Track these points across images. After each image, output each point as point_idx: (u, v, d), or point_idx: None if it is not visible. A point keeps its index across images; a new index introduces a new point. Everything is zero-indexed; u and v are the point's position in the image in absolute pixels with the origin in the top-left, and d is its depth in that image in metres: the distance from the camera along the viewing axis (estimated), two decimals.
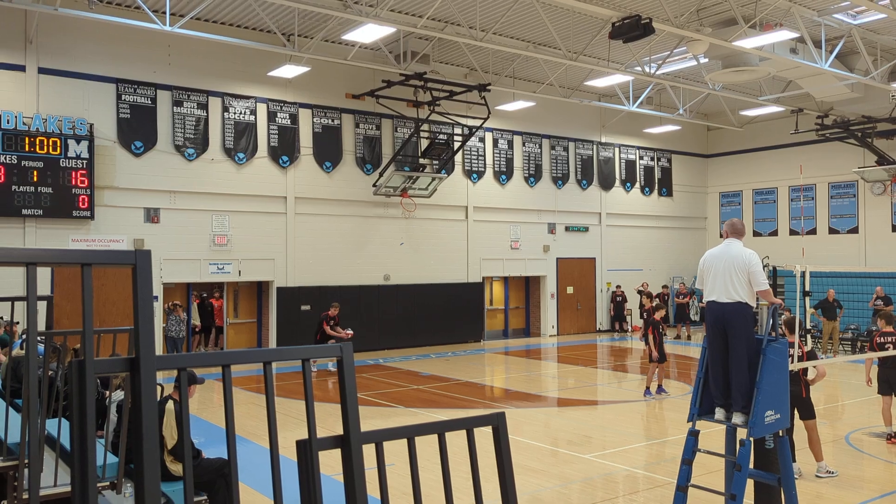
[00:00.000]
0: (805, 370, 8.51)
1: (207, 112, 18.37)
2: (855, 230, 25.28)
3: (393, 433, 2.59)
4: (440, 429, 2.72)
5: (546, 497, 8.07)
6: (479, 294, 23.13)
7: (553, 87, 21.39)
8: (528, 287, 25.49)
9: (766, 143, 27.34)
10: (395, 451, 2.74)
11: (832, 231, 25.92)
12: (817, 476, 8.54)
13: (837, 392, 14.48)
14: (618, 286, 25.87)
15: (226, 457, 2.44)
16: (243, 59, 18.47)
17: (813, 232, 26.40)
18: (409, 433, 2.66)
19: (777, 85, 22.56)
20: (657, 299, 22.36)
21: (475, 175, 23.15)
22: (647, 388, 13.87)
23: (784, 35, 15.75)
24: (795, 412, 8.55)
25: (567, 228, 25.50)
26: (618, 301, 25.72)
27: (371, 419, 11.25)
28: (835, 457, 9.40)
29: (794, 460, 8.36)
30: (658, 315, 14.05)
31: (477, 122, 20.98)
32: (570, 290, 25.40)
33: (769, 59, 17.25)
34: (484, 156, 23.41)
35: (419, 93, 19.66)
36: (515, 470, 8.72)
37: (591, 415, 12.73)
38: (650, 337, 13.76)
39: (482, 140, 23.27)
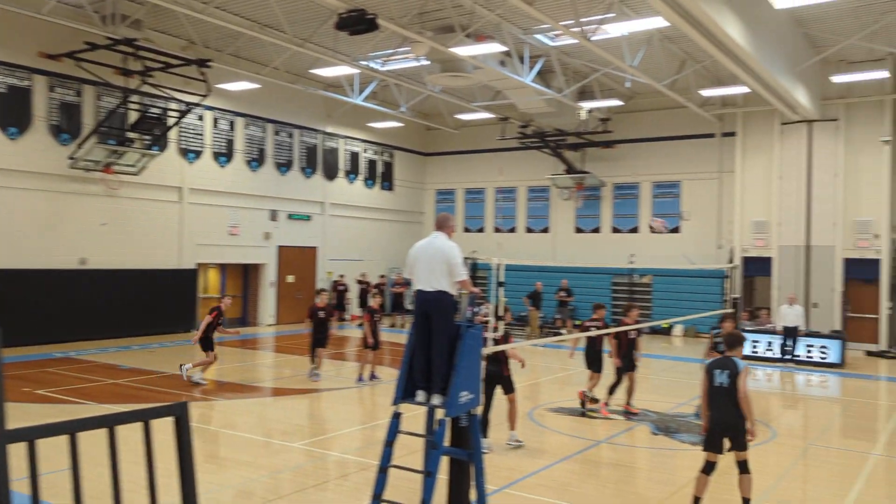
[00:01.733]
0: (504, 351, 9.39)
1: None
2: (547, 230, 28.45)
3: (49, 430, 2.27)
4: (110, 422, 2.45)
5: (255, 488, 7.87)
6: (193, 281, 21.86)
7: (279, 71, 20.92)
8: (246, 275, 24.71)
9: (478, 147, 29.59)
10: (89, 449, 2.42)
11: (529, 230, 28.89)
12: (507, 444, 9.44)
13: (532, 373, 16.14)
14: (340, 275, 26.19)
15: None
16: None
17: (513, 230, 29.18)
18: (71, 429, 2.36)
19: (488, 93, 24.50)
20: (375, 288, 23.07)
21: (192, 154, 21.81)
22: (361, 375, 14.24)
23: (494, 48, 17.12)
24: (498, 390, 9.42)
25: (290, 216, 25.19)
26: (339, 290, 26.03)
27: (52, 418, 10.02)
28: (519, 430, 10.46)
29: (487, 436, 9.16)
30: (375, 303, 14.48)
31: (195, 99, 19.75)
32: (290, 278, 25.13)
33: (482, 69, 18.64)
34: (202, 135, 22.16)
35: (129, 60, 17.97)
36: (224, 464, 8.32)
37: (305, 404, 12.70)
38: (366, 324, 14.14)
39: (201, 118, 22.00)
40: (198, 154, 22.00)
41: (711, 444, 7.03)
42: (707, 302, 22.86)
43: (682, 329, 24.14)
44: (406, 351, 6.72)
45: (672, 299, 24.20)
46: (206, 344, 13.67)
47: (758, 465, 9.47)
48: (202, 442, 9.64)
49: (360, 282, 26.11)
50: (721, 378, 6.98)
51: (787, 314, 18.62)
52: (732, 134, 23.63)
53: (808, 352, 18.51)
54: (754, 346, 18.94)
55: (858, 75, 19.59)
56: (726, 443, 6.98)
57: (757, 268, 23.04)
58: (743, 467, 6.98)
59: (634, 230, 26.39)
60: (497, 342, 8.54)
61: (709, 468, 7.04)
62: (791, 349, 18.43)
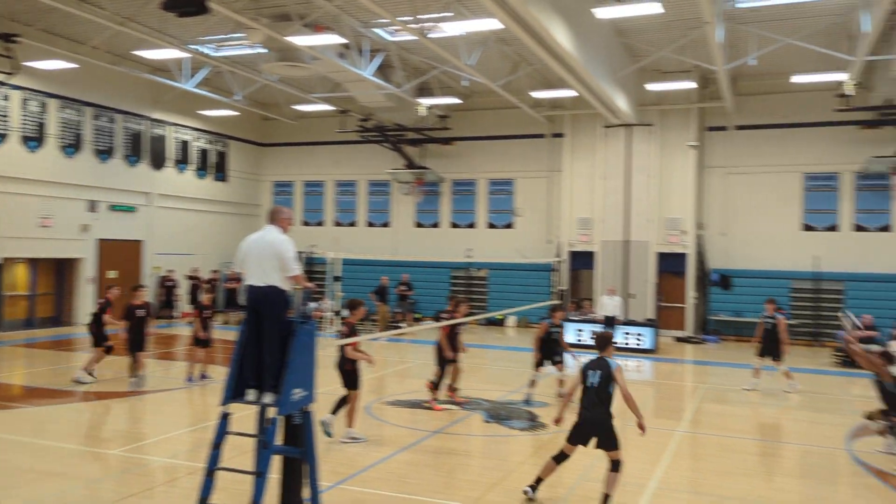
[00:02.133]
0: (348, 346, 9.36)
1: None
2: (388, 224, 28.59)
3: None
4: None
5: (72, 500, 7.27)
6: None
7: (99, 51, 19.42)
8: (61, 271, 22.73)
9: (317, 139, 29.14)
10: None
11: (370, 224, 28.88)
12: (342, 441, 9.40)
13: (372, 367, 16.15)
14: (169, 270, 24.79)
15: None
16: None
17: (354, 224, 29.05)
18: None
19: (327, 85, 24.17)
20: (207, 284, 22.10)
21: None
22: (190, 374, 13.62)
23: (332, 39, 16.90)
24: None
25: (112, 207, 23.48)
26: (168, 286, 24.64)
27: None
28: (359, 424, 10.45)
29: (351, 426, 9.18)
30: (205, 299, 13.90)
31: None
32: (112, 274, 23.42)
33: (320, 60, 18.35)
34: (8, 117, 20.09)
35: None
36: (34, 477, 7.59)
37: (127, 408, 11.91)
38: (195, 321, 13.55)
39: (6, 99, 19.93)
40: (2, 137, 19.93)
41: (576, 439, 7.31)
42: (537, 294, 24.02)
43: (514, 320, 25.20)
44: (236, 348, 6.49)
45: (506, 291, 25.21)
46: (99, 338, 13.45)
47: (578, 447, 10.10)
48: (7, 454, 8.77)
49: (190, 277, 24.85)
50: (593, 378, 7.28)
51: (607, 304, 19.98)
52: (561, 135, 24.95)
53: (626, 339, 19.99)
54: (579, 335, 20.15)
55: (670, 84, 21.35)
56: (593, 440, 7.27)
57: (582, 261, 24.53)
58: (615, 466, 7.17)
59: (472, 225, 27.17)
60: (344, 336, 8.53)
61: (561, 458, 7.36)
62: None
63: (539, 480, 7.47)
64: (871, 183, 22.23)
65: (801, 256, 22.57)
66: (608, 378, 7.26)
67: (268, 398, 6.26)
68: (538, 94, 22.29)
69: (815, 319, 22.16)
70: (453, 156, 27.23)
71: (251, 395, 6.34)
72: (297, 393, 6.29)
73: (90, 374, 13.41)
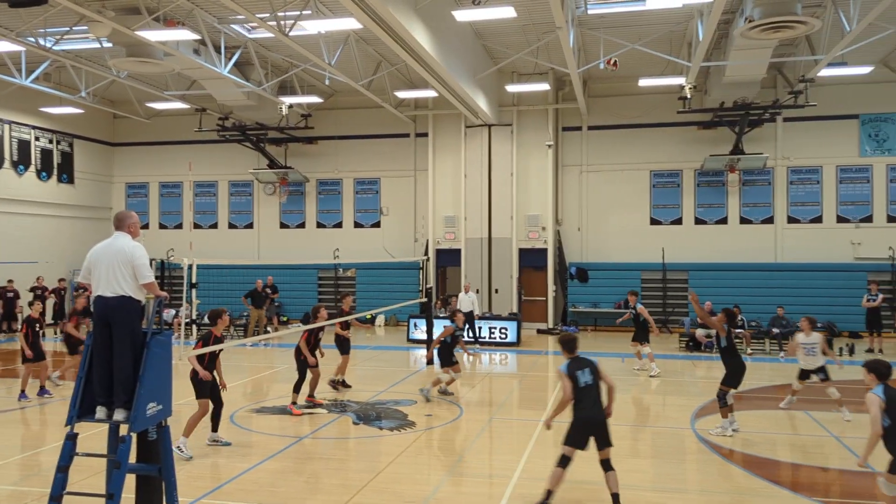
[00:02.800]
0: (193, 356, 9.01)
1: None
2: (251, 226, 27.78)
3: None
4: None
5: None
6: None
7: None
8: None
9: (173, 138, 27.81)
10: None
11: (231, 226, 27.93)
12: (180, 449, 8.93)
13: (238, 374, 15.63)
14: (9, 281, 22.81)
15: None
16: None
17: (215, 227, 27.98)
18: None
19: (183, 82, 23.14)
20: (32, 293, 20.63)
21: None
22: (23, 391, 12.72)
23: (185, 34, 16.22)
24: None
25: None
26: (8, 297, 22.66)
27: None
28: (227, 433, 10.11)
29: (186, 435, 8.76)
30: (34, 311, 13.12)
31: None
32: None
33: (174, 56, 17.55)
34: None
35: None
36: None
37: None
38: (21, 336, 12.82)
39: None
40: None
41: (576, 442, 7.23)
42: (405, 292, 24.17)
43: (383, 319, 25.24)
44: (83, 363, 6.11)
45: (375, 290, 25.18)
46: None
47: (447, 440, 10.30)
48: None
49: (34, 288, 22.99)
50: (585, 378, 7.29)
51: (464, 301, 20.37)
52: (425, 134, 25.25)
53: (491, 333, 20.54)
54: (479, 331, 20.48)
55: (527, 86, 22.16)
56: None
57: (448, 259, 24.97)
58: (608, 465, 7.23)
59: (339, 225, 26.93)
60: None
61: (565, 462, 7.18)
62: (470, 332, 20.19)
63: (549, 493, 7.20)
64: (710, 179, 24.11)
65: (650, 249, 24.11)
66: (598, 374, 7.39)
67: (119, 415, 5.93)
68: (402, 94, 22.44)
69: (664, 308, 23.75)
70: (318, 155, 26.87)
71: (100, 412, 5.98)
72: (152, 407, 6.01)
73: None
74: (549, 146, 23.75)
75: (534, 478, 8.50)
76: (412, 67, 17.30)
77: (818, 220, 23.47)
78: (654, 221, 24.56)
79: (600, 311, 23.91)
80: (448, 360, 13.04)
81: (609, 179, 24.80)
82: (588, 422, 7.21)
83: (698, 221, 24.25)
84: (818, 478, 8.71)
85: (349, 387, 13.75)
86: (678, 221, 24.38)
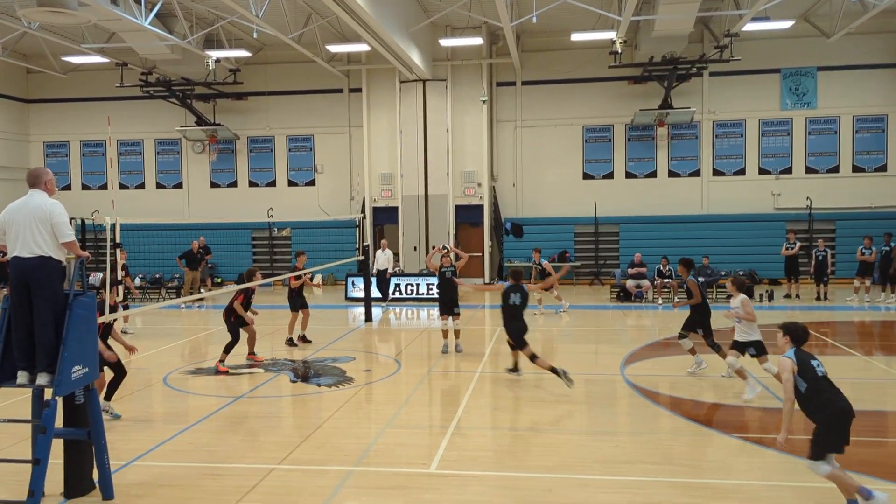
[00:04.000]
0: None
1: None
2: (180, 185, 26.96)
3: None
4: None
5: None
6: None
7: None
8: None
9: (94, 94, 26.60)
10: None
11: (160, 186, 27.06)
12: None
13: (172, 336, 15.33)
14: None
15: None
16: None
17: (142, 186, 27.07)
18: None
19: (101, 34, 22.05)
20: None
21: None
22: None
23: None
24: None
25: None
26: None
27: None
28: (152, 399, 9.94)
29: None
30: None
31: None
32: None
33: (89, 6, 16.64)
34: None
35: None
36: None
37: None
38: None
39: None
40: None
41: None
42: (343, 251, 23.99)
43: (321, 278, 25.06)
44: (0, 328, 5.88)
45: (311, 249, 24.78)
46: None
47: (386, 394, 10.40)
48: None
49: None
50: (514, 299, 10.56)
51: (380, 258, 20.32)
52: (359, 90, 24.83)
53: (430, 289, 20.65)
54: (389, 288, 20.48)
55: (460, 40, 21.96)
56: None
57: (385, 216, 24.87)
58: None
59: (272, 184, 26.42)
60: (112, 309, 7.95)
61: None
62: (385, 289, 20.17)
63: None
64: (640, 134, 24.56)
65: (582, 203, 24.52)
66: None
67: (42, 379, 5.76)
68: (333, 48, 21.95)
69: (596, 260, 24.30)
70: (248, 111, 26.16)
71: (22, 377, 5.80)
72: (77, 371, 5.85)
73: None
74: (484, 101, 23.70)
75: (473, 427, 8.68)
76: (343, 20, 16.90)
77: (741, 172, 24.27)
78: (586, 176, 24.94)
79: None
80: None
81: (543, 135, 24.98)
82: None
83: (629, 175, 24.74)
84: (737, 415, 9.16)
85: (310, 342, 13.75)
86: (609, 175, 24.82)
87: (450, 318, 13.21)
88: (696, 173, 24.41)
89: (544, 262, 18.00)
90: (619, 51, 20.40)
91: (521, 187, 25.15)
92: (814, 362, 5.76)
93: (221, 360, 11.69)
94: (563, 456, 7.48)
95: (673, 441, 8.04)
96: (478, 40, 22.00)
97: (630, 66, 22.69)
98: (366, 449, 7.79)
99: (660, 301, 19.42)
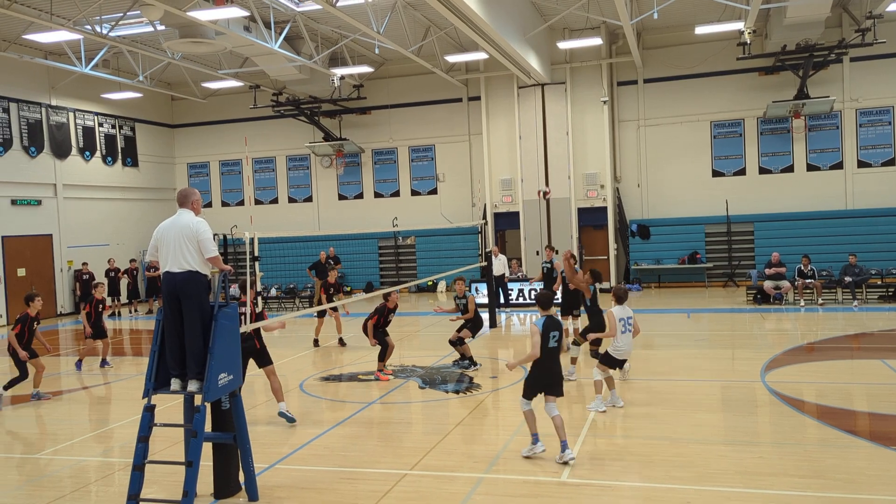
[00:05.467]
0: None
1: None
2: (310, 199, 28.17)
3: None
4: None
5: None
6: None
7: None
8: None
9: (230, 116, 28.30)
10: None
11: (291, 200, 28.39)
12: (279, 416, 9.35)
13: (304, 343, 16.04)
14: (84, 263, 23.80)
15: None
16: None
17: (275, 201, 28.50)
18: None
19: (235, 60, 23.45)
20: (125, 275, 21.46)
21: None
22: (80, 360, 14.09)
23: (235, 12, 16.35)
24: (251, 363, 9.30)
25: (14, 202, 22.32)
26: (84, 280, 23.67)
27: None
28: (290, 402, 10.40)
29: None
30: (98, 293, 13.85)
31: None
32: (21, 272, 22.36)
33: (225, 34, 17.74)
34: None
35: None
36: None
37: (54, 407, 11.48)
38: (83, 314, 13.83)
39: None
40: None
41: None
42: (465, 257, 24.17)
43: (444, 284, 25.39)
44: (155, 338, 6.34)
45: (434, 257, 25.31)
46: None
47: (513, 402, 10.35)
48: None
49: (108, 270, 23.94)
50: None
51: (495, 264, 20.12)
52: (478, 98, 25.01)
53: (556, 296, 20.39)
54: (509, 294, 20.48)
55: (579, 42, 21.61)
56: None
57: (506, 222, 24.86)
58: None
59: (396, 194, 27.07)
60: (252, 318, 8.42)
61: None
62: (503, 295, 19.99)
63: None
64: (773, 127, 23.21)
65: (712, 202, 23.46)
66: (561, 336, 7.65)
67: (193, 386, 6.16)
68: (452, 59, 22.23)
69: (729, 261, 23.16)
70: (372, 125, 26.96)
71: (175, 384, 6.22)
72: (224, 378, 6.21)
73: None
74: (605, 102, 23.22)
75: (602, 435, 8.48)
76: (461, 30, 17.08)
77: (890, 162, 22.38)
78: (716, 173, 23.85)
79: (663, 267, 23.50)
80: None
81: (668, 133, 24.14)
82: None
83: (763, 171, 23.43)
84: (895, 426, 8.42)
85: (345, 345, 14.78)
86: (741, 172, 23.61)
87: (569, 318, 13.19)
88: (839, 166, 22.76)
89: (556, 261, 15.44)
90: (748, 41, 19.37)
91: (646, 187, 24.41)
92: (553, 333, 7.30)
93: (380, 369, 12.00)
94: (702, 467, 7.15)
95: (822, 453, 7.49)
96: (597, 41, 21.59)
97: (761, 57, 21.50)
98: (495, 456, 7.78)
99: (801, 303, 18.24)
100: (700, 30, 19.90)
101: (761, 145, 23.42)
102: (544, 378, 7.43)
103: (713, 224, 23.48)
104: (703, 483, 6.71)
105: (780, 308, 18.31)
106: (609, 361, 9.40)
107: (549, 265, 16.27)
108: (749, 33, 18.82)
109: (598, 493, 6.59)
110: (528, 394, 7.52)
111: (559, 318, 8.44)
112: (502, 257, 20.69)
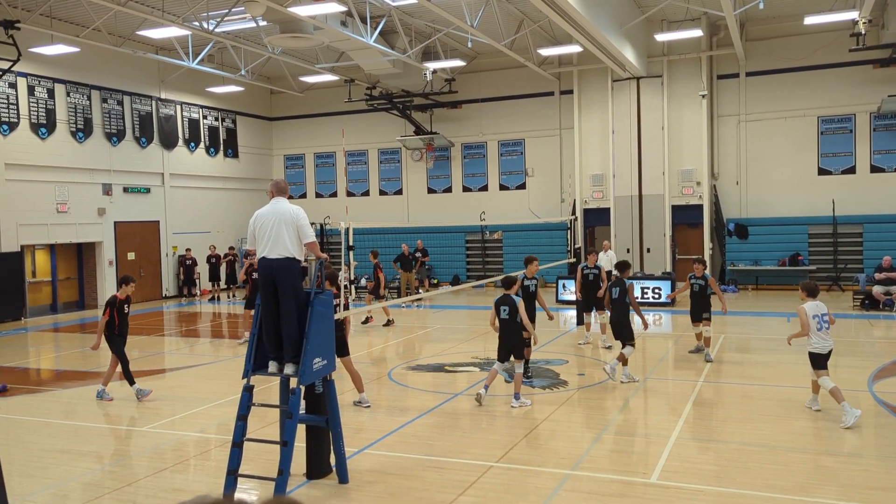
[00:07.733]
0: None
1: None
2: (400, 192, 28.56)
3: None
4: None
5: (105, 477, 7.46)
6: (19, 265, 20.11)
7: (101, 32, 19.38)
8: (80, 255, 23.01)
9: (325, 110, 29.01)
10: None
11: (382, 193, 28.86)
12: (355, 404, 9.54)
13: (391, 333, 16.31)
14: (187, 249, 25.00)
15: None
16: None
17: (367, 194, 29.05)
18: None
19: (332, 54, 24.00)
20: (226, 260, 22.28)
21: (5, 127, 19.86)
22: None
23: (334, 7, 16.73)
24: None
25: (126, 190, 23.64)
26: (187, 265, 24.89)
27: None
28: (379, 391, 10.59)
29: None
30: (122, 293, 13.51)
31: (4, 65, 17.91)
32: (131, 255, 23.69)
33: (323, 29, 18.19)
34: (17, 104, 20.19)
35: None
36: (68, 458, 7.76)
37: (157, 384, 12.12)
38: (102, 320, 11.67)
39: (13, 86, 20.01)
40: (13, 126, 20.06)
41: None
42: (553, 253, 23.95)
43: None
44: (254, 322, 6.58)
45: (522, 252, 25.02)
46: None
47: (600, 399, 10.19)
48: (39, 436, 9.00)
49: (209, 257, 25.05)
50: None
51: (603, 260, 19.73)
52: (570, 92, 24.66)
53: (644, 293, 19.96)
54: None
55: (678, 34, 20.95)
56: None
57: (596, 218, 24.43)
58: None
59: (484, 188, 27.07)
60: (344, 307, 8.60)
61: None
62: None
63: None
64: (888, 123, 21.84)
65: (818, 201, 22.32)
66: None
67: (289, 369, 6.35)
68: (545, 52, 21.99)
69: (835, 264, 21.99)
70: (462, 119, 27.04)
71: (272, 366, 6.44)
72: (318, 362, 6.38)
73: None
74: (704, 96, 22.45)
75: (695, 438, 8.23)
76: (555, 23, 16.88)
77: None
78: (822, 171, 22.67)
79: (762, 268, 22.56)
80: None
81: (770, 128, 23.11)
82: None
83: (875, 169, 22.10)
84: None
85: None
86: (851, 170, 22.35)
87: (700, 324, 12.64)
88: None
89: (601, 266, 15.07)
90: (863, 32, 18.28)
91: (745, 185, 23.46)
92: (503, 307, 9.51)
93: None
94: (801, 477, 6.83)
95: None
96: (696, 32, 20.88)
97: (876, 49, 20.25)
98: (582, 453, 7.68)
99: None
100: (810, 20, 18.91)
101: (874, 142, 22.08)
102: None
103: (818, 225, 22.34)
104: (801, 494, 6.41)
105: (890, 315, 17.25)
106: (818, 362, 8.74)
107: (593, 271, 14.89)
108: (864, 23, 17.75)
109: (687, 497, 6.40)
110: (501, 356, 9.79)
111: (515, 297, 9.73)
112: (611, 253, 20.30)
